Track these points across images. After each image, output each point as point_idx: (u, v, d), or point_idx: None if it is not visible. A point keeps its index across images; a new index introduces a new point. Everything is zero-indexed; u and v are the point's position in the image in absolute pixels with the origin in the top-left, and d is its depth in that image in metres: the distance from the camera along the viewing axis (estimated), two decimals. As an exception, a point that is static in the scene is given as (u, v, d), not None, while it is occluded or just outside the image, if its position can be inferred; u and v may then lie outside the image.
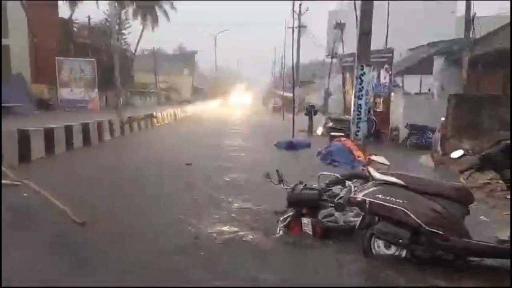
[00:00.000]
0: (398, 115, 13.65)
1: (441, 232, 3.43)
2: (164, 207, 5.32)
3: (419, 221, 3.45)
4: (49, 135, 8.83)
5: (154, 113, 17.86)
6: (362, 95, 9.38)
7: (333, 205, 4.33)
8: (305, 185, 4.60)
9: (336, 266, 3.64)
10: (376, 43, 16.25)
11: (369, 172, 3.96)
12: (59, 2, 27.53)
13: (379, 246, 3.72)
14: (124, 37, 33.79)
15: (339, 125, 13.51)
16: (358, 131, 9.50)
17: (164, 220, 4.71)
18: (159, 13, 35.54)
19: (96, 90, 23.90)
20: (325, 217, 4.39)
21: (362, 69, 9.32)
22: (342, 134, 11.64)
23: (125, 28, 33.60)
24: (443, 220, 3.50)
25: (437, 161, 8.91)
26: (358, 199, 3.78)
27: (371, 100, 15.57)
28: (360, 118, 9.47)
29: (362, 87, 9.36)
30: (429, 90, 16.86)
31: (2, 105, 16.99)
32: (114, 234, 4.11)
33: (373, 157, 9.09)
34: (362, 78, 9.33)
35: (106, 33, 28.84)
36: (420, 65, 21.94)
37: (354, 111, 9.50)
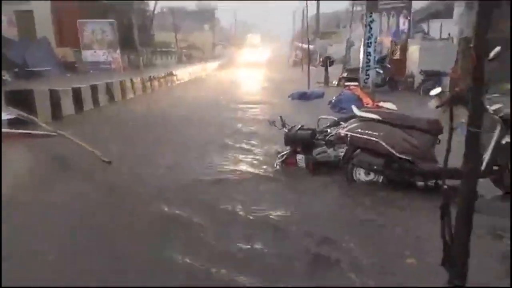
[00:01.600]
0: (415, 62, 13.63)
1: (410, 159, 3.96)
2: (182, 150, 6.03)
3: (391, 150, 3.98)
4: (77, 94, 9.61)
5: (174, 72, 18.44)
6: (371, 42, 9.54)
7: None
8: (302, 126, 5.16)
9: (322, 189, 4.25)
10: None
11: (349, 109, 4.46)
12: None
13: (360, 174, 4.29)
14: (142, -4, 33.75)
15: (353, 75, 13.67)
16: (367, 78, 9.76)
17: (183, 159, 5.44)
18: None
19: (118, 51, 24.42)
20: (319, 154, 4.97)
21: (371, 16, 9.41)
22: (356, 83, 11.88)
23: (143, -14, 33.50)
24: (412, 148, 4.01)
25: (441, 103, 9.14)
26: (342, 134, 4.33)
27: (388, 47, 15.59)
28: (369, 66, 9.68)
29: (371, 34, 9.48)
30: (449, 35, 16.47)
31: (31, 69, 17.99)
32: (138, 171, 4.88)
33: (382, 104, 9.49)
34: (371, 25, 9.44)
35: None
36: (444, 9, 21.22)
37: (363, 58, 9.71)
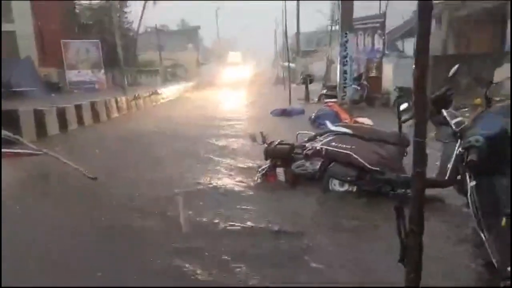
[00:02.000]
0: (390, 79, 14.19)
1: (379, 169, 4.25)
2: (166, 165, 6.23)
3: (363, 161, 4.27)
4: (61, 113, 9.74)
5: (158, 91, 18.67)
6: (347, 61, 10.01)
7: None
8: (281, 141, 5.43)
9: (300, 199, 4.51)
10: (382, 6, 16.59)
11: (327, 125, 4.76)
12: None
13: (335, 185, 4.56)
14: (125, 16, 34.12)
15: (332, 92, 14.13)
16: (344, 95, 10.18)
17: (167, 174, 5.62)
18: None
19: (103, 70, 24.57)
20: (298, 167, 5.22)
21: (346, 36, 9.90)
22: (335, 100, 12.31)
23: (126, 6, 33.92)
24: (382, 160, 4.31)
25: (408, 117, 9.63)
26: (318, 148, 4.62)
27: (363, 66, 16.20)
28: (346, 83, 10.13)
29: (347, 53, 9.96)
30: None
31: (14, 89, 17.95)
32: (123, 185, 5.05)
33: (359, 119, 9.91)
34: (346, 45, 9.92)
35: (108, 13, 29.25)
36: (412, 28, 22.13)
37: (339, 76, 10.14)
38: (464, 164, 2.86)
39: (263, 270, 2.90)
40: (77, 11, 30.36)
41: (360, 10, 18.02)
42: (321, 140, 4.70)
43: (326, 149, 4.47)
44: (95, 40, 24.99)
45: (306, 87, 16.09)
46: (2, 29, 23.79)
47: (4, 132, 6.64)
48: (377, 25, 16.73)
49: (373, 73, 15.31)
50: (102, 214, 4.13)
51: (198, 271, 2.90)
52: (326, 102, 12.06)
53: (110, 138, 8.99)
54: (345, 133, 4.52)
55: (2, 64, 20.54)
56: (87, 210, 4.27)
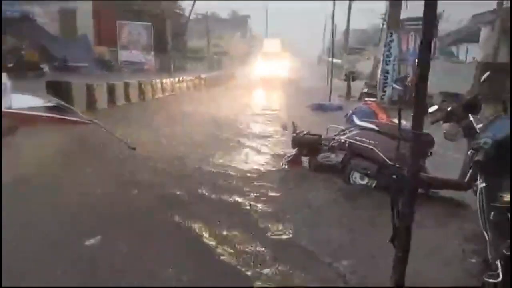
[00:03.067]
0: (436, 83, 13.84)
1: (399, 166, 4.36)
2: (197, 145, 6.64)
3: (383, 156, 4.41)
4: (111, 89, 10.43)
5: (202, 76, 19.26)
6: (389, 61, 9.95)
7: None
8: (308, 132, 5.64)
9: (320, 185, 4.74)
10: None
11: (354, 120, 4.92)
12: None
13: (355, 178, 4.73)
14: (178, 3, 35.13)
15: (374, 91, 14.02)
16: (383, 95, 10.14)
17: (195, 152, 6.03)
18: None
19: (152, 53, 25.55)
20: (323, 158, 5.43)
21: (391, 36, 9.83)
22: (375, 99, 12.23)
23: (179, -8, 34.91)
24: (401, 156, 4.42)
25: (435, 120, 9.48)
26: (342, 141, 4.80)
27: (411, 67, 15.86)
28: (386, 83, 10.08)
29: (390, 53, 9.90)
30: (473, 58, 16.61)
31: (69, 64, 19.18)
32: (157, 156, 5.51)
33: (395, 120, 9.82)
34: (391, 44, 9.86)
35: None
36: (474, 32, 21.29)
37: (381, 76, 10.10)
38: (471, 164, 2.96)
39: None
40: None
41: (415, 10, 17.59)
42: (346, 133, 4.88)
43: (350, 142, 4.65)
44: (147, 23, 26.01)
45: (348, 84, 16.02)
46: (66, 6, 25.44)
47: (58, 101, 7.32)
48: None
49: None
50: (130, 174, 4.65)
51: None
52: (365, 101, 12.03)
53: (152, 116, 9.57)
54: (370, 129, 4.66)
55: (59, 40, 22.00)
56: (121, 172, 4.77)
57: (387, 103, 10.22)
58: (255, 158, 6.08)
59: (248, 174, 5.16)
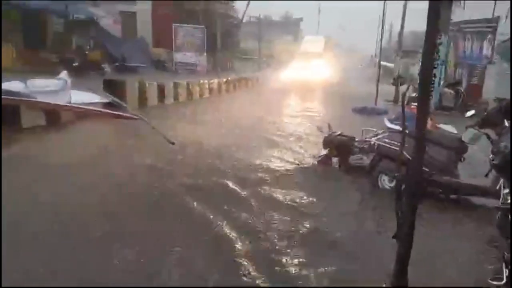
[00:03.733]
0: (492, 89, 13.14)
1: (427, 170, 4.34)
2: (244, 143, 6.95)
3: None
4: (161, 88, 11.06)
5: (249, 77, 19.67)
6: (437, 64, 9.64)
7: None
8: (341, 133, 5.71)
9: (349, 185, 4.82)
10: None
11: (385, 122, 4.93)
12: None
13: (384, 180, 4.75)
14: (232, 5, 36.00)
15: (421, 95, 13.58)
16: (430, 99, 9.84)
17: (242, 153, 6.33)
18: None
19: (205, 54, 26.44)
20: (354, 159, 5.49)
21: (440, 38, 9.54)
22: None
23: (233, -5, 35.81)
24: (435, 162, 4.39)
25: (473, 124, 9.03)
26: (371, 142, 4.84)
27: (465, 71, 15.15)
28: (433, 87, 9.77)
29: (438, 56, 9.60)
30: (538, 64, 15.46)
31: (127, 64, 20.42)
32: (193, 150, 5.89)
33: (441, 125, 9.61)
34: (439, 47, 9.56)
35: (215, 1, 31.17)
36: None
37: (428, 80, 9.82)
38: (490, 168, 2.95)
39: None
40: (189, -2, 32.92)
41: (471, 11, 16.77)
42: (376, 135, 4.91)
43: (379, 144, 4.68)
44: (201, 26, 26.97)
45: (396, 88, 15.62)
46: (127, 10, 27.16)
47: (112, 98, 7.97)
48: (488, 29, 15.46)
49: (474, 80, 14.30)
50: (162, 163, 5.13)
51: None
52: (411, 105, 11.72)
53: (195, 114, 10.05)
54: (399, 131, 4.66)
55: (120, 41, 23.46)
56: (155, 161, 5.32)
57: (434, 108, 9.87)
58: (296, 156, 6.26)
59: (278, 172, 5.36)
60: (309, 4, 49.37)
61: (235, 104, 12.58)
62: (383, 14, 14.55)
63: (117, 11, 27.63)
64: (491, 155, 3.51)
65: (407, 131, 4.69)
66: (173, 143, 5.83)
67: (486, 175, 3.68)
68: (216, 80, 15.23)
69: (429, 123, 9.55)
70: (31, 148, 5.67)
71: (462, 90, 13.39)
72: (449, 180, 4.29)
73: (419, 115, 2.31)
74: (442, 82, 10.68)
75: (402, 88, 16.08)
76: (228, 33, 32.45)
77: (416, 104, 8.48)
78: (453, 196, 4.44)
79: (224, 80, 16.10)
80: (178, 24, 26.74)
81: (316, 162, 5.55)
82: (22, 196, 3.90)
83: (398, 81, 15.74)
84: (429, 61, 2.19)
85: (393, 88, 16.16)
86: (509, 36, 17.70)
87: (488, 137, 3.61)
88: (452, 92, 13.00)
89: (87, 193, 4.10)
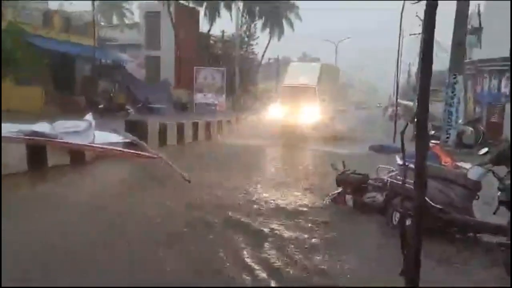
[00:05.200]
0: (514, 127, 12.96)
1: (443, 208, 4.31)
2: (247, 177, 7.07)
3: (426, 198, 4.38)
4: (180, 128, 11.43)
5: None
6: (453, 103, 9.68)
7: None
8: (354, 171, 5.75)
9: (361, 226, 4.80)
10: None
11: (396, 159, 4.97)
12: (200, 17, 32.21)
13: (398, 218, 4.71)
14: (252, 47, 37.39)
15: (440, 133, 13.50)
16: (448, 137, 9.80)
17: (244, 184, 6.43)
18: (285, 24, 38.22)
19: (224, 95, 27.26)
20: (369, 197, 5.48)
21: (455, 78, 9.62)
22: (438, 141, 11.80)
23: (253, 39, 37.22)
24: (449, 200, 4.36)
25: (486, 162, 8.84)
26: (385, 180, 4.86)
27: (485, 109, 15.04)
28: (450, 125, 9.76)
29: (454, 95, 9.65)
30: None
31: (151, 105, 21.20)
32: (208, 190, 6.03)
33: (460, 163, 9.50)
34: (455, 86, 9.63)
35: (235, 45, 32.49)
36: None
37: (444, 118, 9.82)
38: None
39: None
40: (211, 42, 34.41)
41: (489, 50, 16.83)
42: (389, 173, 4.93)
43: (391, 181, 4.69)
44: (221, 68, 28.01)
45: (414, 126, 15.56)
46: (152, 55, 28.60)
47: (133, 138, 8.29)
48: (506, 68, 15.50)
49: (494, 118, 14.17)
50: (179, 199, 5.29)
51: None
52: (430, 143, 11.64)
53: (214, 152, 10.28)
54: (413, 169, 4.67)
55: (144, 84, 24.54)
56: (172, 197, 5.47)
57: (453, 146, 9.80)
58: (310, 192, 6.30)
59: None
60: (326, 45, 50.44)
61: (250, 138, 12.68)
62: (398, 53, 14.83)
63: (143, 55, 29.13)
64: (498, 193, 3.51)
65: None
66: (188, 181, 5.99)
67: (494, 213, 3.65)
68: (233, 119, 15.60)
69: (449, 161, 9.49)
70: (56, 187, 5.94)
71: (482, 128, 13.27)
72: (465, 218, 4.23)
73: (418, 151, 2.38)
74: (460, 121, 10.61)
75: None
76: (248, 74, 33.48)
77: (434, 142, 8.44)
78: (470, 235, 4.37)
79: (241, 118, 16.42)
80: (199, 66, 27.86)
81: (328, 200, 5.55)
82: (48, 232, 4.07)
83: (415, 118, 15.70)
84: (426, 82, 2.26)
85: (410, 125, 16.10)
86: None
87: (495, 174, 3.60)
88: (472, 129, 12.89)
89: (110, 232, 4.26)
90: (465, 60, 18.91)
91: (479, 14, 17.62)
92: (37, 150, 6.67)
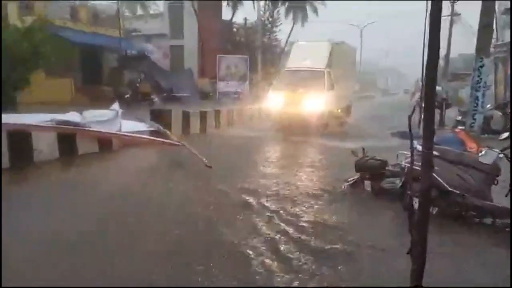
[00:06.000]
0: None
1: (458, 192, 4.32)
2: (269, 164, 7.20)
3: (443, 182, 4.40)
4: (202, 117, 11.66)
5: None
6: (480, 87, 9.43)
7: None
8: (373, 157, 5.78)
9: (379, 211, 4.86)
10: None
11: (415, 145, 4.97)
12: (223, 5, 32.24)
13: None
14: (275, 34, 37.12)
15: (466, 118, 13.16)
16: (473, 122, 9.59)
17: (266, 172, 6.57)
18: (308, 9, 37.63)
19: (247, 82, 27.29)
20: (387, 183, 5.52)
21: (481, 61, 9.36)
22: (463, 127, 11.54)
23: (276, 26, 36.91)
24: (465, 184, 4.37)
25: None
26: (402, 165, 4.90)
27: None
28: (476, 110, 9.54)
29: (481, 79, 9.40)
30: None
31: (175, 94, 21.58)
32: (229, 175, 6.21)
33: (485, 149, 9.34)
34: (481, 70, 9.37)
35: (258, 32, 32.36)
36: None
37: (471, 103, 9.61)
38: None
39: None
40: (234, 29, 34.41)
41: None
42: (407, 158, 4.94)
43: (409, 167, 4.72)
44: (244, 56, 28.00)
45: (441, 112, 15.19)
46: (176, 44, 28.94)
47: (158, 126, 8.57)
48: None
49: (524, 102, 13.67)
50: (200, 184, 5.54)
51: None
52: (455, 128, 11.39)
53: (235, 139, 10.49)
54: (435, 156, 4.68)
55: (168, 74, 24.92)
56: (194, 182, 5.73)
57: (478, 131, 9.58)
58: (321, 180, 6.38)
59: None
60: (351, 29, 49.41)
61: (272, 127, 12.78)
62: (424, 36, 14.33)
63: (168, 45, 29.51)
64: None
65: (437, 154, 4.74)
66: (210, 167, 6.20)
67: (506, 195, 3.65)
68: (254, 106, 15.70)
69: (474, 147, 9.32)
70: (86, 173, 6.28)
71: (509, 112, 12.85)
72: (485, 203, 4.23)
73: (425, 133, 2.43)
74: (488, 105, 10.34)
75: (448, 111, 15.66)
76: (271, 61, 33.34)
77: (460, 127, 8.34)
78: (487, 219, 4.36)
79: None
80: (222, 55, 27.96)
81: (346, 186, 5.63)
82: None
83: (442, 104, 15.34)
84: (433, 71, 2.29)
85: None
86: None
87: (508, 158, 3.59)
88: (501, 114, 12.50)
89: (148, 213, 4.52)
90: (497, 42, 18.30)
91: (510, -6, 16.86)
92: (67, 138, 7.03)
